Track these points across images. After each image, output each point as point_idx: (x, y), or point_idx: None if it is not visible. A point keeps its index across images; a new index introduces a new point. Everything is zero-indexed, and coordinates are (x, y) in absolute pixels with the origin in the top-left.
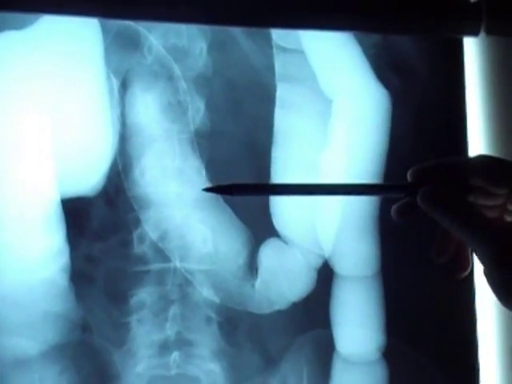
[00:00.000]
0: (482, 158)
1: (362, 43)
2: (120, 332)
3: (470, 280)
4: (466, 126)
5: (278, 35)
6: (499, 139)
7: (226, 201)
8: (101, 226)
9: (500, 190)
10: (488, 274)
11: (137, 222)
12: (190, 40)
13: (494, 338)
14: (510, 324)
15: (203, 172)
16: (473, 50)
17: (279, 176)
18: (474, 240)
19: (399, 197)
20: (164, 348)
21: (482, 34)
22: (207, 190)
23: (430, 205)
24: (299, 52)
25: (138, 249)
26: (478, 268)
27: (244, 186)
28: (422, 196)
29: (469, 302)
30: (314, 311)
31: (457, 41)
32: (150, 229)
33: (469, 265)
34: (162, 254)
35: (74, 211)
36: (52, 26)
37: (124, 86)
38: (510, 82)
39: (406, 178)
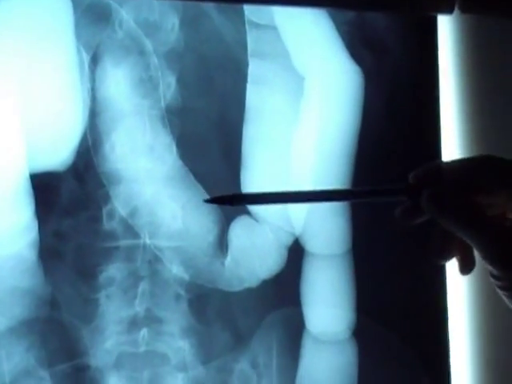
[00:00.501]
0: (484, 159)
1: (335, 20)
2: (88, 308)
3: None
4: (438, 102)
5: (251, 11)
6: (472, 116)
7: (196, 178)
8: (70, 201)
9: (502, 189)
10: (494, 275)
11: (106, 198)
12: (162, 15)
13: (465, 316)
14: (480, 302)
15: (174, 148)
16: (446, 28)
17: (250, 153)
18: (478, 241)
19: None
20: (133, 325)
21: (456, 12)
22: (207, 201)
23: (433, 207)
24: (272, 28)
25: (108, 225)
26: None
27: (244, 195)
28: (425, 198)
29: (440, 280)
30: (284, 289)
31: (431, 18)
32: (119, 205)
33: (474, 264)
34: (131, 231)
35: (43, 186)
36: None
37: (94, 61)
38: (482, 59)
39: (378, 157)
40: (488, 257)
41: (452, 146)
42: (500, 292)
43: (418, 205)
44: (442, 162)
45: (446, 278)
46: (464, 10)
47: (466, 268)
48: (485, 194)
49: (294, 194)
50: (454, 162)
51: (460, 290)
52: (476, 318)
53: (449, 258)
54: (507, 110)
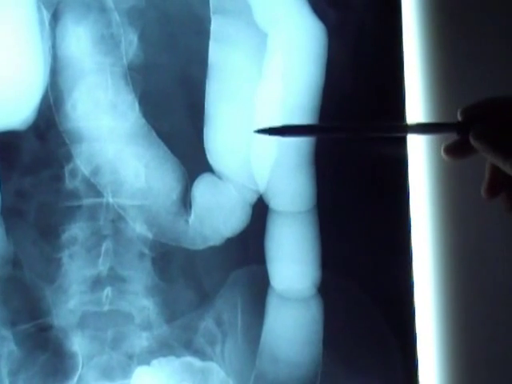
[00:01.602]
0: None
1: None
2: (51, 267)
3: (406, 212)
4: (402, 58)
5: None
6: (436, 71)
7: (160, 135)
8: (32, 160)
9: None
10: None
11: (68, 157)
12: None
13: (430, 271)
14: (445, 257)
15: (136, 106)
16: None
17: (213, 110)
18: None
19: (451, 135)
20: (96, 284)
21: None
22: (258, 131)
23: (482, 143)
24: None
25: (70, 184)
26: (415, 195)
27: (294, 126)
28: (474, 134)
29: (405, 234)
30: (248, 247)
31: None
32: (82, 163)
33: None
34: (94, 189)
35: (4, 145)
36: None
37: (55, 18)
38: (446, 14)
39: (342, 113)
40: None
41: (416, 102)
42: None
43: (467, 140)
44: (491, 98)
45: (411, 233)
46: None
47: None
48: None
49: (341, 127)
50: (504, 99)
51: (426, 245)
52: (442, 273)
53: (498, 193)
54: (470, 64)
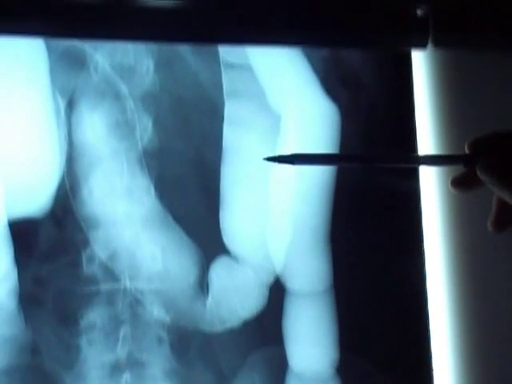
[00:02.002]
0: None
1: (309, 58)
2: (70, 354)
3: (423, 293)
4: (415, 139)
5: (226, 51)
6: (449, 149)
7: (175, 219)
8: (49, 246)
9: None
10: None
11: (86, 242)
12: (137, 58)
13: (448, 352)
14: (463, 337)
15: (152, 190)
16: (421, 63)
17: (228, 193)
18: None
19: (458, 167)
20: (115, 369)
21: (430, 47)
22: (268, 159)
23: (488, 175)
24: (247, 68)
25: (88, 269)
26: (431, 282)
27: (304, 155)
28: (480, 167)
29: (422, 316)
30: (266, 328)
31: (405, 53)
32: (99, 248)
33: None
34: (111, 274)
35: (22, 232)
36: None
37: (70, 106)
38: (457, 93)
39: (356, 194)
40: None
41: (430, 179)
42: None
43: (474, 173)
44: (499, 131)
45: (429, 315)
46: (437, 44)
47: None
48: None
49: (351, 157)
50: (511, 133)
51: (444, 327)
52: (460, 355)
53: (504, 227)
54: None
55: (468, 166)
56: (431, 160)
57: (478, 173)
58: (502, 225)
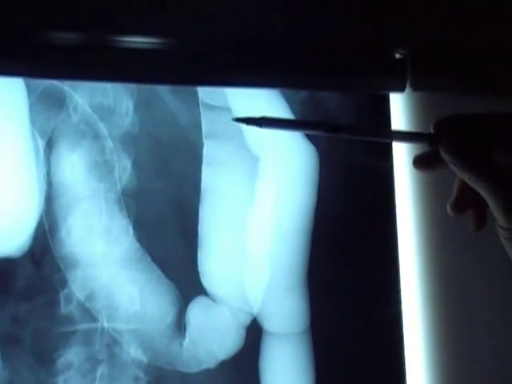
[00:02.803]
0: (508, 115)
1: (288, 100)
2: None
3: (399, 335)
4: (393, 180)
5: (205, 93)
6: (427, 196)
7: (154, 259)
8: (27, 286)
9: None
10: (501, 226)
11: (63, 282)
12: (116, 98)
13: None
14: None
15: (130, 230)
16: (399, 105)
17: (206, 234)
18: (490, 192)
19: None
20: None
21: (408, 90)
22: (237, 120)
23: (451, 155)
24: (226, 109)
25: (65, 309)
26: (408, 323)
27: (273, 119)
28: (444, 146)
29: (398, 356)
30: (243, 369)
31: (383, 96)
32: (76, 289)
33: (485, 222)
34: (89, 314)
35: (0, 272)
36: None
37: (50, 146)
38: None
39: (334, 236)
40: (498, 206)
41: (407, 218)
42: (505, 242)
43: (437, 153)
44: (463, 113)
45: (404, 356)
46: (415, 87)
47: (478, 225)
48: (502, 150)
49: (318, 124)
50: (475, 115)
51: (420, 367)
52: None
53: (464, 210)
54: None
55: (432, 145)
56: (399, 135)
57: (441, 152)
58: (461, 207)
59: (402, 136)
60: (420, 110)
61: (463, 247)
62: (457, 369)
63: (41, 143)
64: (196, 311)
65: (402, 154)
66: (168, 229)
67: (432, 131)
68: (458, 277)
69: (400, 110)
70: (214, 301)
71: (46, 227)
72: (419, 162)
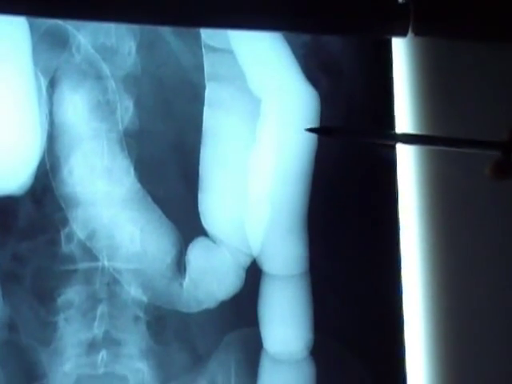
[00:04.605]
0: None
1: (291, 43)
2: (47, 331)
3: (397, 278)
4: (394, 125)
5: (208, 35)
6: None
7: (154, 200)
8: (28, 224)
9: None
10: None
11: (65, 221)
12: (119, 39)
13: (421, 335)
14: (437, 323)
15: (132, 171)
16: (401, 50)
17: (207, 175)
18: None
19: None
20: (92, 347)
21: (410, 35)
22: (309, 130)
23: None
24: (228, 51)
25: (66, 248)
26: (407, 267)
27: (344, 129)
28: None
29: (397, 300)
30: (242, 310)
31: (385, 41)
32: (77, 228)
33: None
34: (89, 253)
35: (1, 210)
36: None
37: (52, 85)
38: (437, 81)
39: (335, 178)
40: None
41: (408, 163)
42: None
43: (510, 161)
44: None
45: (403, 299)
46: (417, 32)
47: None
48: None
49: (384, 134)
50: None
51: (417, 310)
52: (433, 339)
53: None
54: (460, 129)
55: (505, 153)
56: (467, 144)
57: None
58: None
59: (473, 144)
60: (422, 56)
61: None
62: (453, 300)
63: (43, 82)
64: (196, 252)
65: (402, 94)
66: (169, 170)
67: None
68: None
69: (402, 56)
70: (214, 242)
71: (48, 166)
72: (494, 172)
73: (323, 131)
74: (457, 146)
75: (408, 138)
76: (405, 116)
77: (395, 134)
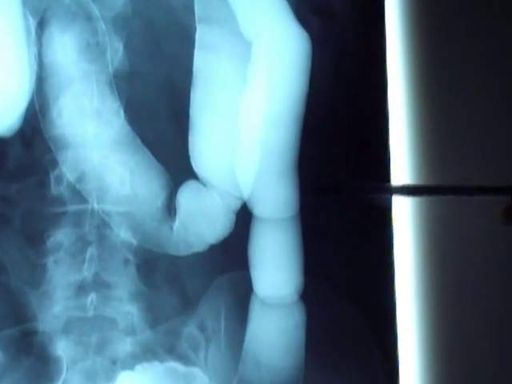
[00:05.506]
0: None
1: None
2: (36, 273)
3: (388, 220)
4: (385, 67)
5: None
6: (418, 80)
7: (144, 143)
8: (17, 166)
9: None
10: None
11: (54, 164)
12: None
13: (411, 276)
14: (428, 261)
15: (121, 113)
16: None
17: (198, 118)
18: None
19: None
20: (81, 289)
21: None
22: (315, 189)
23: None
24: None
25: (55, 190)
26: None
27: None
28: None
29: (387, 242)
30: (232, 253)
31: None
32: (67, 170)
33: None
34: (79, 196)
35: None
36: None
37: (41, 26)
38: (429, 23)
39: (325, 121)
40: None
41: (399, 109)
42: None
43: None
44: None
45: (393, 242)
46: None
47: None
48: None
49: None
50: None
51: (408, 253)
52: (424, 279)
53: None
54: (452, 71)
55: None
56: (476, 191)
57: None
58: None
59: (483, 191)
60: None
61: None
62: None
63: (32, 23)
64: (186, 195)
65: (394, 38)
66: (159, 112)
67: None
68: None
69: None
70: (204, 185)
71: (37, 108)
72: (505, 216)
73: (328, 190)
74: (466, 193)
75: (412, 190)
76: (397, 58)
77: (391, 186)
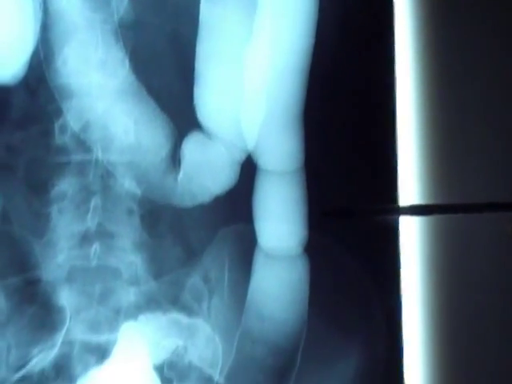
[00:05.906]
0: None
1: None
2: (40, 222)
3: (394, 178)
4: (393, 15)
5: None
6: (426, 27)
7: (149, 93)
8: (22, 115)
9: None
10: None
11: (58, 113)
12: None
13: (416, 230)
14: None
15: (126, 63)
16: None
17: (203, 68)
18: None
19: None
20: (85, 239)
21: None
22: (324, 213)
23: None
24: None
25: (60, 139)
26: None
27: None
28: None
29: (392, 193)
30: (236, 205)
31: None
32: (71, 119)
33: None
34: (83, 145)
35: None
36: None
37: None
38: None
39: (331, 71)
40: None
41: (405, 59)
42: None
43: None
44: None
45: (397, 189)
46: None
47: None
48: None
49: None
50: None
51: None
52: (427, 232)
53: None
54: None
55: None
56: (487, 208)
57: None
58: None
59: (494, 208)
60: None
61: None
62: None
63: None
64: (191, 146)
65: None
66: (164, 62)
67: None
68: None
69: None
70: (209, 136)
71: (42, 56)
72: None
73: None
74: (476, 211)
75: (422, 210)
76: (404, 9)
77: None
